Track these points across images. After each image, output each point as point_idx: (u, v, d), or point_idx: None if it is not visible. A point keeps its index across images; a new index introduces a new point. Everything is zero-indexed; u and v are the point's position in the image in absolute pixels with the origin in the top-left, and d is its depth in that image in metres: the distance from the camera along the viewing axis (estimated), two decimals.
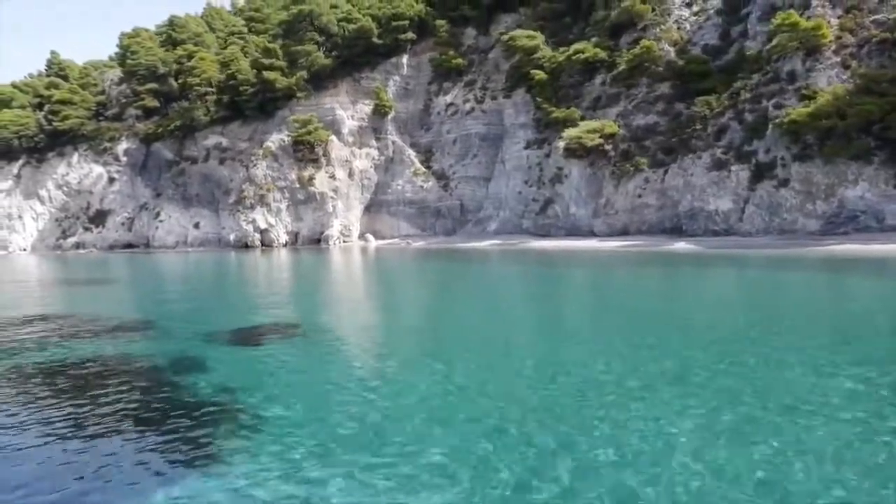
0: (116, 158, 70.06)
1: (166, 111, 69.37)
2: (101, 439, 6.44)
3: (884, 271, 22.90)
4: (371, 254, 47.56)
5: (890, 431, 6.00)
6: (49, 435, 6.56)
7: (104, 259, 52.62)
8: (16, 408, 7.76)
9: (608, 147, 45.78)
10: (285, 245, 61.87)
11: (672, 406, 7.03)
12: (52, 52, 78.71)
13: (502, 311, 16.76)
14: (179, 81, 68.76)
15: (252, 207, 61.96)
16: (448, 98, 63.70)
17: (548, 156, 51.36)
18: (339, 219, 61.88)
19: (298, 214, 62.49)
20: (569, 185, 48.89)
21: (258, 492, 5.16)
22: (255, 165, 62.67)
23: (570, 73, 52.17)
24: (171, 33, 73.10)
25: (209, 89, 66.84)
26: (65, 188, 71.00)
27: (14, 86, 77.12)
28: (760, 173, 36.31)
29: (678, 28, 48.85)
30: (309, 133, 60.62)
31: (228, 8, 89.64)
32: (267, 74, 62.27)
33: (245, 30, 74.24)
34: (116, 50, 75.09)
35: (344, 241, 61.51)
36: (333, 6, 66.38)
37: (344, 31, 64.50)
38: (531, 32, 55.39)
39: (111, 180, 70.16)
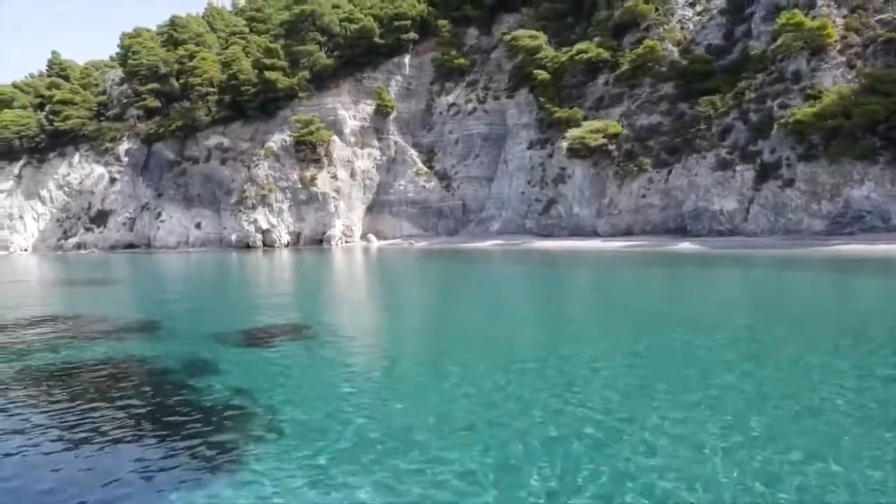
0: (118, 158, 69.93)
1: (168, 111, 69.23)
2: (123, 444, 6.34)
3: (889, 271, 22.83)
4: (373, 254, 47.46)
5: None
6: (71, 440, 6.45)
7: (106, 259, 52.51)
8: (35, 411, 7.66)
9: (612, 147, 45.66)
10: (287, 245, 61.74)
11: (699, 408, 6.92)
12: (54, 53, 78.66)
13: (514, 311, 16.66)
14: (181, 81, 68.61)
15: (254, 208, 61.83)
16: (450, 98, 63.59)
17: (551, 156, 51.25)
18: (341, 219, 61.76)
19: (300, 215, 62.37)
20: (572, 186, 48.78)
21: (288, 499, 5.06)
22: (256, 166, 62.54)
23: (573, 74, 52.07)
24: (173, 33, 72.97)
25: (211, 89, 66.71)
26: (66, 188, 70.87)
27: (15, 86, 77.01)
28: (765, 173, 36.20)
29: (681, 28, 48.75)
30: (311, 133, 60.50)
31: (229, 8, 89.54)
32: (269, 74, 62.14)
33: (246, 30, 74.12)
34: (117, 50, 75.04)
35: (346, 242, 61.38)
36: (335, 6, 66.27)
37: (346, 30, 64.40)
38: (534, 32, 55.27)
39: (112, 180, 70.02)
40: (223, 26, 79.53)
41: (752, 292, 19.14)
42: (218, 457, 5.92)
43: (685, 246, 35.93)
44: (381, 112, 63.60)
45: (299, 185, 61.45)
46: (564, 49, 52.78)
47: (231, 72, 64.09)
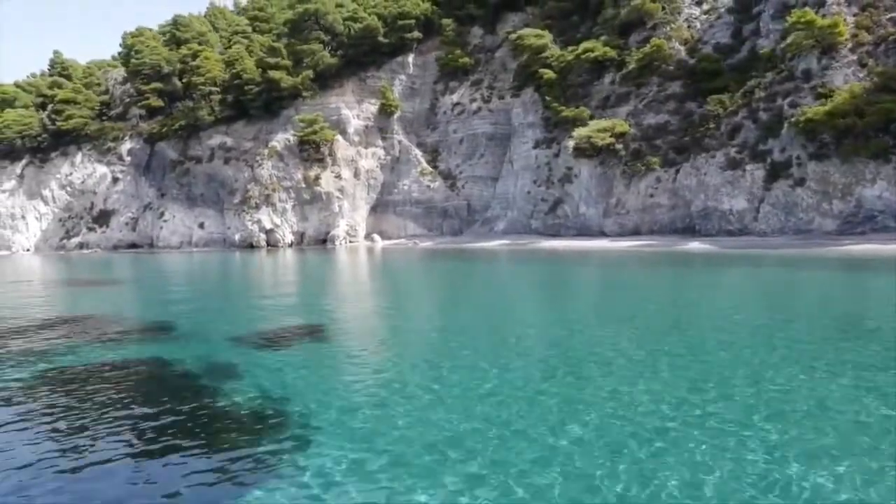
0: (120, 158, 69.63)
1: (170, 111, 68.92)
2: (163, 454, 6.07)
3: None
4: (378, 254, 47.19)
5: None
6: (109, 450, 6.16)
7: (109, 259, 52.20)
8: (67, 417, 7.39)
9: (619, 146, 45.44)
10: (291, 245, 61.48)
11: (740, 411, 6.66)
12: (55, 52, 78.25)
13: (541, 310, 16.40)
14: (184, 81, 68.31)
15: (257, 207, 61.56)
16: (454, 97, 63.37)
17: (557, 155, 51.02)
18: (345, 219, 61.50)
19: (304, 214, 62.12)
20: (578, 185, 48.56)
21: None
22: (260, 165, 62.28)
23: (579, 73, 51.86)
24: (175, 32, 72.67)
25: (214, 89, 66.44)
26: (68, 188, 70.56)
27: (17, 85, 76.74)
28: (776, 172, 35.99)
29: (688, 27, 48.56)
30: (314, 132, 60.23)
31: (231, 8, 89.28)
32: (272, 74, 61.91)
33: (249, 29, 73.84)
34: (119, 49, 74.76)
35: (350, 242, 61.12)
36: (339, 5, 66.06)
37: (349, 30, 64.17)
38: (539, 31, 55.06)
39: (115, 180, 69.72)
40: (225, 25, 79.28)
41: (785, 291, 18.80)
42: (267, 464, 5.66)
43: (696, 245, 35.70)
44: (385, 111, 63.36)
45: (303, 185, 61.20)
46: (570, 48, 52.56)
47: (234, 71, 63.85)
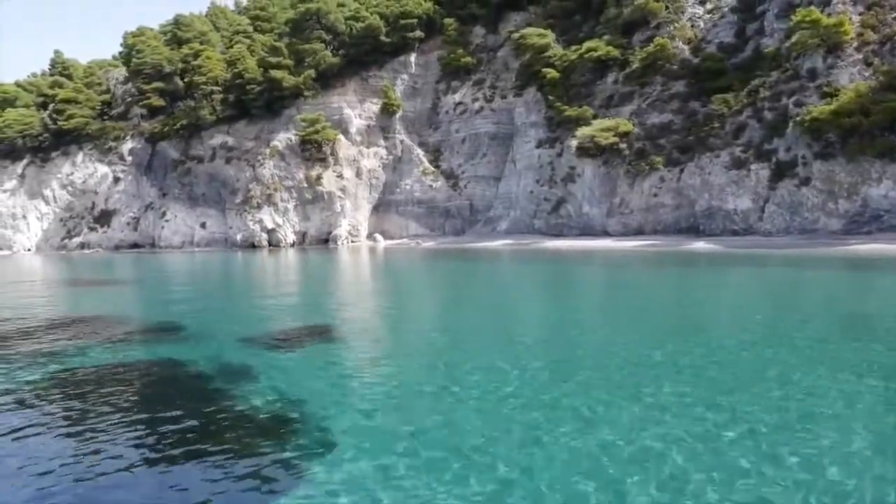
0: (122, 158, 69.51)
1: (172, 110, 68.80)
2: (183, 459, 5.94)
3: None
4: (381, 254, 47.06)
5: None
6: (129, 456, 6.01)
7: (111, 259, 52.04)
8: (84, 420, 7.27)
9: (623, 146, 45.32)
10: (293, 245, 61.36)
11: (774, 413, 6.55)
12: (56, 52, 78.14)
13: (544, 312, 16.30)
14: (185, 80, 68.21)
15: (259, 207, 61.45)
16: (457, 97, 63.27)
17: (560, 155, 50.90)
18: (347, 218, 61.38)
19: (306, 214, 62.00)
20: (581, 185, 48.44)
21: None
22: (261, 165, 62.16)
23: (582, 72, 51.75)
24: (177, 32, 72.54)
25: (215, 88, 66.34)
26: (69, 188, 70.42)
27: (18, 85, 76.58)
28: (781, 172, 35.89)
29: (692, 26, 48.47)
30: (316, 132, 60.13)
31: (232, 7, 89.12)
32: (274, 73, 61.81)
33: (250, 28, 73.73)
34: (120, 49, 74.63)
35: (352, 241, 61.00)
36: (340, 4, 65.96)
37: (351, 29, 64.07)
38: (542, 31, 54.98)
39: (116, 180, 69.60)
40: (227, 25, 79.16)
41: (796, 292, 18.67)
42: (291, 467, 5.54)
43: (700, 245, 35.59)
44: (387, 111, 63.26)
45: (305, 185, 61.08)
46: (573, 47, 52.46)
47: (236, 70, 63.75)
